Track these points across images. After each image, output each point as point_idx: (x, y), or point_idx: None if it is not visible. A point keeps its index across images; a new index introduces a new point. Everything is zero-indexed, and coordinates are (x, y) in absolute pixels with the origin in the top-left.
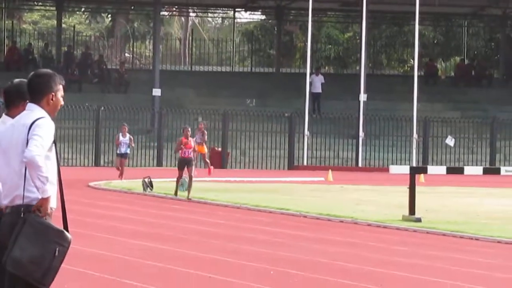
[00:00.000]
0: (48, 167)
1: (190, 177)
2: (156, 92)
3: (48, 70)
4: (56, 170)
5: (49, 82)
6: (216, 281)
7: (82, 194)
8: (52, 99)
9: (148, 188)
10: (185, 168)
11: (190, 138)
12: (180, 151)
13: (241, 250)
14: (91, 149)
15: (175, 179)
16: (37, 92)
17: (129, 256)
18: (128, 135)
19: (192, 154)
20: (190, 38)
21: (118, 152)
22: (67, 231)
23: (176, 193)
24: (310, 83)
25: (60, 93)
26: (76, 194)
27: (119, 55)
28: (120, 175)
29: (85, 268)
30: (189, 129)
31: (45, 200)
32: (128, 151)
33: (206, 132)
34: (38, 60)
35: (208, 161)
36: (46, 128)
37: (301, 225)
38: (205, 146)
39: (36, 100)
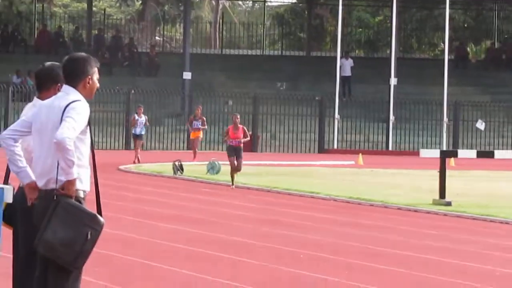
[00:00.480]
0: (82, 150)
1: (239, 165)
2: (187, 75)
3: (83, 54)
4: (89, 153)
5: (84, 65)
6: (245, 264)
7: (112, 178)
8: (88, 82)
9: (179, 172)
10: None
11: (239, 126)
12: (227, 140)
13: (271, 233)
14: (121, 133)
15: (229, 172)
16: (74, 76)
17: (159, 239)
18: (143, 115)
19: (241, 143)
20: (221, 21)
21: (133, 132)
22: (101, 215)
23: (233, 182)
24: (340, 67)
25: (96, 76)
26: (106, 177)
27: (149, 39)
28: (136, 158)
29: (114, 251)
30: (238, 117)
31: (69, 183)
32: (143, 132)
33: (205, 119)
34: (69, 43)
35: (196, 150)
36: (80, 110)
37: (331, 209)
38: (201, 133)
39: (73, 84)
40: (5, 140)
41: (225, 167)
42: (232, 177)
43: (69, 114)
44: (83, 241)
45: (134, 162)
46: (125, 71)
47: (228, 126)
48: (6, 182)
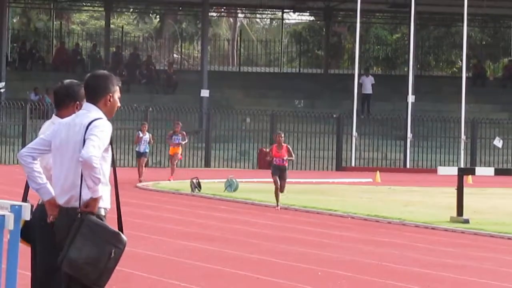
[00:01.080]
0: (104, 168)
1: (282, 187)
2: (204, 93)
3: (105, 72)
4: (111, 171)
5: (106, 83)
6: (263, 282)
7: (130, 195)
8: (110, 100)
9: (196, 189)
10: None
11: (283, 145)
12: (271, 159)
13: (289, 251)
14: None
15: (273, 190)
16: (95, 93)
17: (177, 257)
18: (147, 133)
19: (285, 162)
20: (238, 38)
21: (137, 150)
22: (122, 232)
23: (277, 202)
24: (360, 84)
25: (117, 94)
26: (124, 195)
27: (167, 56)
28: (140, 176)
29: (132, 269)
30: (282, 135)
31: (94, 200)
32: (147, 150)
33: (186, 134)
34: (87, 60)
35: (174, 167)
36: (103, 128)
37: (349, 226)
38: (180, 149)
39: (94, 101)
40: (23, 158)
41: (243, 185)
42: (277, 196)
43: (93, 132)
44: (107, 259)
45: (139, 181)
46: (143, 88)
47: (272, 145)
48: (25, 199)
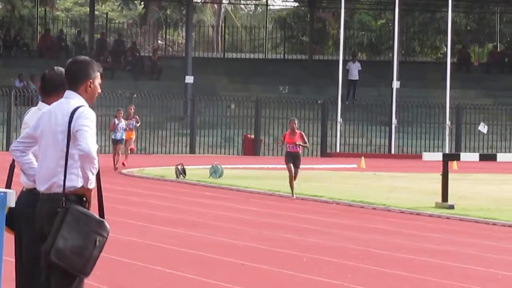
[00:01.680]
0: None
1: (295, 174)
2: (189, 79)
3: (86, 57)
4: None
5: (87, 68)
6: (248, 268)
7: (115, 182)
8: (90, 86)
9: (181, 176)
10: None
11: (297, 131)
12: (283, 144)
13: (274, 237)
14: None
15: (288, 179)
16: (75, 78)
17: (161, 243)
18: (123, 120)
19: (299, 148)
20: (223, 25)
21: (113, 138)
22: (104, 219)
23: (292, 192)
24: (347, 70)
25: (98, 80)
26: (109, 181)
27: (151, 42)
28: (115, 163)
29: (117, 255)
30: (296, 122)
31: (90, 191)
32: (124, 137)
33: (138, 118)
34: (71, 47)
35: (128, 152)
36: (91, 117)
37: (334, 212)
38: (134, 134)
39: (74, 87)
40: (13, 153)
41: (228, 171)
42: (291, 185)
43: (83, 122)
44: (92, 248)
45: (115, 169)
46: (128, 75)
47: (285, 132)
48: (8, 187)
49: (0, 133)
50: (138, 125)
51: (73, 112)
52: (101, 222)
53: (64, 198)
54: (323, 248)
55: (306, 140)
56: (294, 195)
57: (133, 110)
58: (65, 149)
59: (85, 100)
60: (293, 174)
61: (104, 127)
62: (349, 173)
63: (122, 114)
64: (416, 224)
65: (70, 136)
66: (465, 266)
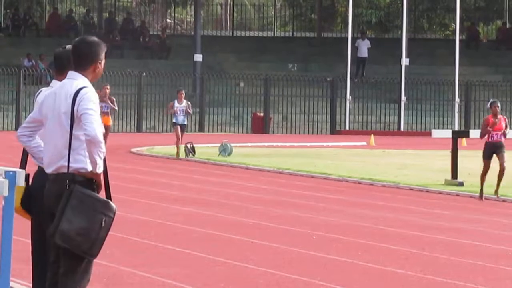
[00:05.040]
0: None
1: (502, 169)
2: (198, 57)
3: (94, 38)
4: None
5: (97, 50)
6: (258, 246)
7: (124, 160)
8: (98, 67)
9: (191, 154)
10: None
11: (500, 116)
12: (487, 134)
13: (284, 215)
14: (133, 115)
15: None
16: (86, 59)
17: (171, 222)
18: (185, 101)
19: (502, 137)
20: (231, 3)
21: (174, 121)
22: (111, 200)
23: (497, 190)
24: (356, 48)
25: (103, 61)
26: (119, 160)
27: (160, 21)
28: (178, 150)
29: (127, 234)
30: (499, 104)
31: (99, 175)
32: (186, 121)
33: (114, 99)
34: (80, 26)
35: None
36: (94, 99)
37: (343, 190)
38: (110, 118)
39: (82, 68)
40: (19, 139)
41: (237, 149)
42: (482, 183)
43: (88, 105)
44: (98, 229)
45: (177, 155)
46: (136, 53)
47: (487, 116)
48: (23, 167)
49: (9, 112)
50: (114, 107)
51: (76, 94)
52: (107, 203)
53: (68, 181)
54: (332, 226)
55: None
56: (498, 195)
57: (108, 90)
58: (69, 130)
59: (90, 80)
60: (500, 167)
61: None
62: (358, 150)
63: (184, 95)
64: (426, 202)
65: (73, 117)
66: (475, 243)
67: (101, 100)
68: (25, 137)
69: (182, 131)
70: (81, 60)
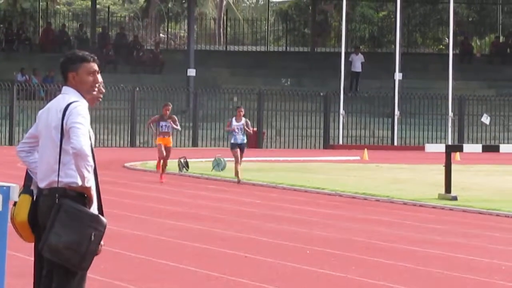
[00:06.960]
0: None
1: None
2: (191, 72)
3: (72, 51)
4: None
5: (66, 62)
6: (252, 260)
7: (118, 175)
8: (74, 78)
9: (184, 169)
10: None
11: None
12: None
13: (277, 229)
14: (126, 130)
15: None
16: (61, 72)
17: (165, 237)
18: (243, 118)
19: None
20: (225, 18)
21: (232, 141)
22: (102, 214)
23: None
24: (350, 62)
25: (85, 70)
26: (112, 175)
27: (153, 36)
28: (238, 174)
29: (120, 248)
30: None
31: (88, 189)
32: (245, 141)
33: (176, 118)
34: (73, 41)
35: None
36: (83, 113)
37: (337, 204)
38: (171, 138)
39: (65, 80)
40: (18, 155)
41: (230, 164)
42: None
43: (76, 120)
44: (87, 243)
45: (238, 181)
46: (130, 68)
47: None
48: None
49: (3, 127)
50: (177, 127)
51: (66, 108)
52: (96, 217)
53: (58, 194)
54: (326, 240)
55: None
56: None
57: (169, 109)
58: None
59: (82, 95)
60: None
61: (105, 120)
62: (352, 165)
63: (243, 112)
64: (419, 216)
65: (63, 131)
66: (469, 257)
67: (162, 119)
68: (24, 152)
69: (242, 151)
70: (62, 74)
